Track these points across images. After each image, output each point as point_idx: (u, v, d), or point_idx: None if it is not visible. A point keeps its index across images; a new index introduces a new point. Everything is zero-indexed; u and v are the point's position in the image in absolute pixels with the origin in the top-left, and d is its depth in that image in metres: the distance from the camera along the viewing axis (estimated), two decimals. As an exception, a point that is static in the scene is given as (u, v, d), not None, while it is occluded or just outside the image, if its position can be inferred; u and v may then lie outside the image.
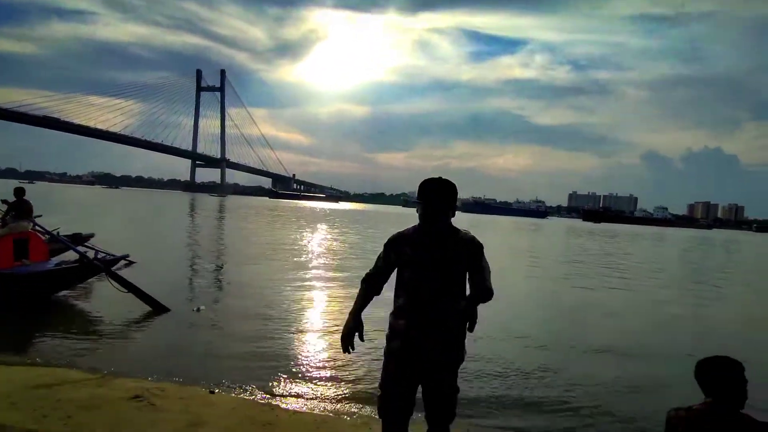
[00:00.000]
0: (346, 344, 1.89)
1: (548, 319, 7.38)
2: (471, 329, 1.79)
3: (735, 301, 10.25)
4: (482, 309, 1.84)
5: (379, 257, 1.96)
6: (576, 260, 17.98)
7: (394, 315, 1.90)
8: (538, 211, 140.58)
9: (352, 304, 2.01)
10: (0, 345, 4.60)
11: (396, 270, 1.93)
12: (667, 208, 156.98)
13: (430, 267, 1.83)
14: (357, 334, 1.91)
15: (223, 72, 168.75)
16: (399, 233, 1.94)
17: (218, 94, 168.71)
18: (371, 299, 2.01)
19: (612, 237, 38.97)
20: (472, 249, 1.86)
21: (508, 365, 4.81)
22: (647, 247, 29.94)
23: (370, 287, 1.98)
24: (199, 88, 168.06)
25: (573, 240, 33.01)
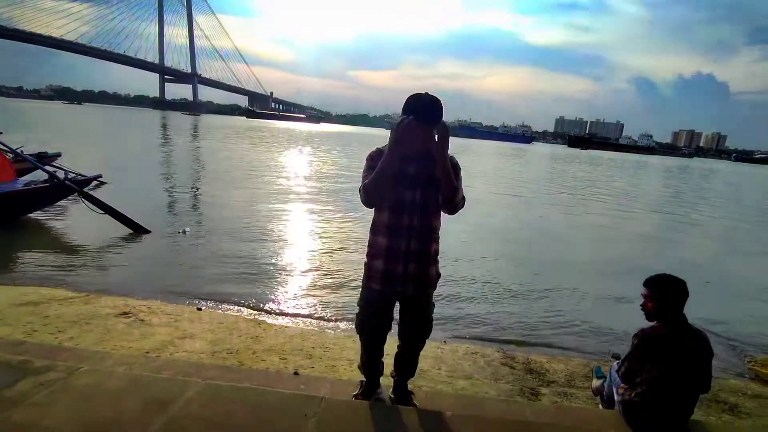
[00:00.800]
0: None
1: (526, 243, 7.73)
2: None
3: (689, 230, 10.90)
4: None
5: (365, 170, 1.86)
6: (556, 187, 18.42)
7: (375, 232, 1.91)
8: (523, 136, 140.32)
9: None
10: (-23, 266, 4.56)
11: None
12: (651, 136, 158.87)
13: (412, 183, 1.83)
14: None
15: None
16: (382, 149, 1.87)
17: None
18: None
19: (591, 164, 39.66)
20: (453, 165, 1.86)
21: (488, 284, 5.15)
22: (625, 176, 30.70)
23: (371, 204, 1.91)
24: None
25: (557, 166, 33.48)
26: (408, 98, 1.79)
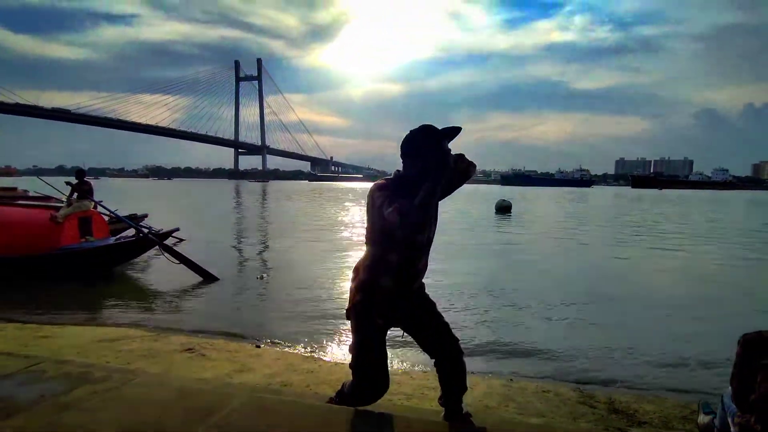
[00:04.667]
0: None
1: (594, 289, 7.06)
2: None
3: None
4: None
5: (382, 202, 1.65)
6: (621, 226, 16.99)
7: (375, 272, 1.74)
8: (582, 180, 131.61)
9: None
10: (71, 310, 5.10)
11: (381, 226, 1.69)
12: (727, 170, 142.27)
13: (423, 227, 1.71)
14: None
15: (259, 61, 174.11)
16: (386, 184, 1.71)
17: (256, 83, 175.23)
18: None
19: (662, 202, 36.42)
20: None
21: (558, 323, 4.76)
22: (702, 211, 27.68)
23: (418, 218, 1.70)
24: (238, 79, 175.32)
25: (619, 209, 31.13)
26: (431, 128, 1.71)
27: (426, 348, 1.89)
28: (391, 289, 1.73)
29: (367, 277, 1.75)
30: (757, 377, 1.60)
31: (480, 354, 3.80)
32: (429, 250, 1.81)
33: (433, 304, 1.89)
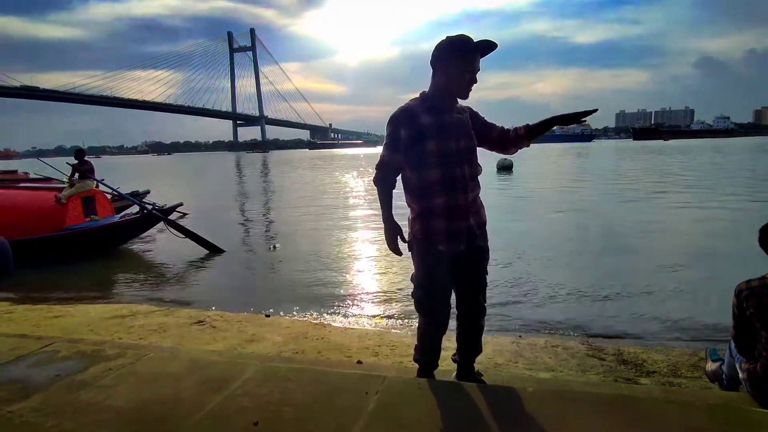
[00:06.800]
0: (395, 249, 1.74)
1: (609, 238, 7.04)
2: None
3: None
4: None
5: (386, 144, 1.68)
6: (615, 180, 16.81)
7: (425, 195, 1.67)
8: (582, 135, 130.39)
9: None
10: (80, 289, 5.14)
11: (412, 148, 1.65)
12: (729, 118, 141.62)
13: (456, 133, 1.66)
14: (399, 237, 1.75)
15: (252, 31, 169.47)
16: (405, 107, 1.67)
17: (251, 53, 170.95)
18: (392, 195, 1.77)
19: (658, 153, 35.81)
20: (473, 112, 1.81)
21: (564, 279, 4.74)
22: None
23: (386, 183, 1.73)
24: (232, 50, 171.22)
25: (620, 162, 30.69)
26: (465, 38, 1.65)
27: (455, 294, 1.83)
28: (445, 208, 1.66)
29: (419, 203, 1.70)
30: (755, 325, 1.63)
31: (488, 312, 3.85)
32: (471, 160, 1.73)
33: (484, 259, 1.82)
